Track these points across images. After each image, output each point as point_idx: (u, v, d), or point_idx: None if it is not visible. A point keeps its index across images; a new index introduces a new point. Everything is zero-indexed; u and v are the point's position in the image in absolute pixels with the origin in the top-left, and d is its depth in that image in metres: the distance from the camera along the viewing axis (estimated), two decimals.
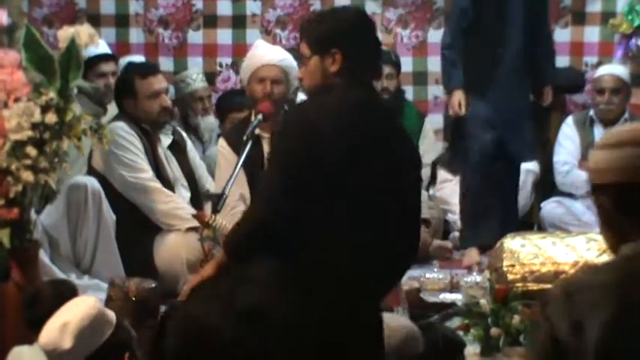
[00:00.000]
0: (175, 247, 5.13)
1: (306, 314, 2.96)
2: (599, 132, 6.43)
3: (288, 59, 5.39)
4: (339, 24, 3.16)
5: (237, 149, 5.07)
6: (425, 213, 6.16)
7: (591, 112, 6.49)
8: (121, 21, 7.25)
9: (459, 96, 5.84)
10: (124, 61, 6.59)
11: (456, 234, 6.46)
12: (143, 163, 5.26)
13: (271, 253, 2.98)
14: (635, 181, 2.23)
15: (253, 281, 2.91)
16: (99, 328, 3.04)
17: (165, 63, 7.21)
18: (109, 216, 5.09)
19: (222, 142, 5.39)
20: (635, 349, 2.17)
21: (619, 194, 2.25)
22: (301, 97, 6.47)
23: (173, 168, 5.43)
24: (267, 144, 5.31)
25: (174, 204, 5.24)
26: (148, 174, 5.26)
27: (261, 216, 3.05)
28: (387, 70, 6.67)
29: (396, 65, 6.77)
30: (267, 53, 5.38)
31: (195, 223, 4.94)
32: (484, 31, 5.79)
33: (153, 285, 4.34)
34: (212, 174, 5.67)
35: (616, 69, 6.55)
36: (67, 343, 2.97)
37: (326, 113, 3.05)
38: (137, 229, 5.21)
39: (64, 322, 3.00)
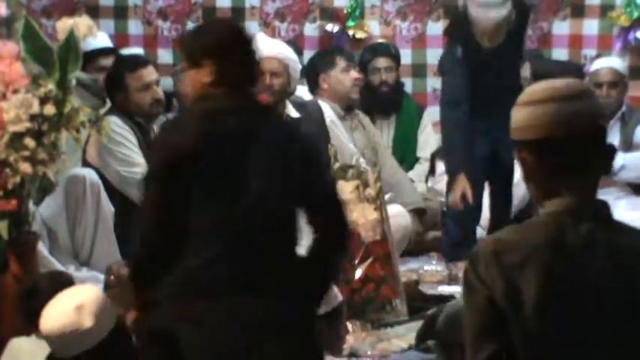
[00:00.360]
0: None
1: (203, 321, 2.98)
2: None
3: (287, 52, 5.40)
4: (210, 37, 3.33)
5: None
6: (420, 203, 6.17)
7: None
8: (120, 12, 7.24)
9: (463, 184, 5.46)
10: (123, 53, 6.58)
11: None
12: (138, 157, 5.25)
13: (166, 270, 3.06)
14: (554, 136, 2.28)
15: (152, 302, 2.98)
16: (110, 309, 3.05)
17: (164, 55, 7.20)
18: (108, 208, 5.08)
19: None
20: (570, 307, 2.22)
21: (539, 150, 2.30)
22: (302, 89, 6.49)
23: None
24: None
25: None
26: (142, 168, 5.25)
27: (142, 238, 3.19)
28: (385, 62, 6.68)
29: (396, 58, 6.77)
30: (266, 46, 5.38)
31: None
32: (478, 66, 5.67)
33: None
34: None
35: (613, 62, 6.53)
36: (87, 322, 2.97)
37: (197, 120, 3.18)
38: (133, 221, 5.20)
39: (78, 305, 2.99)
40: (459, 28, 5.64)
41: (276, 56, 5.35)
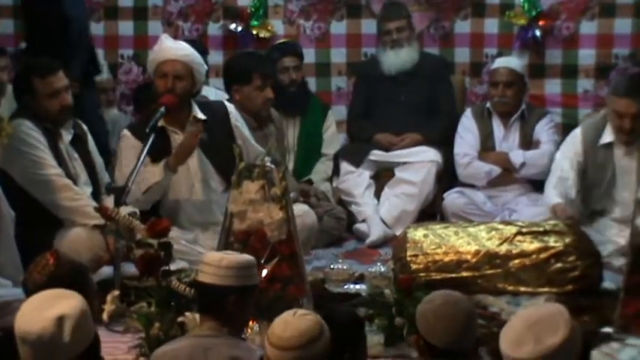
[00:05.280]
0: (77, 242, 5.07)
1: None
2: (497, 123, 6.52)
3: (191, 54, 5.37)
4: None
5: (140, 138, 5.12)
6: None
7: (488, 104, 6.57)
8: (21, 13, 7.14)
9: None
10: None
11: (359, 225, 6.50)
12: (50, 159, 5.17)
13: None
14: None
15: None
16: (90, 325, 2.89)
17: None
18: (8, 213, 4.99)
19: (127, 133, 5.35)
20: None
21: None
22: (207, 90, 6.46)
23: (75, 165, 5.35)
24: (174, 137, 5.30)
25: (83, 201, 5.17)
26: (56, 170, 5.18)
27: None
28: (293, 62, 6.68)
29: (302, 56, 6.78)
30: (169, 48, 5.36)
31: (102, 221, 4.88)
32: None
33: None
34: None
35: (511, 62, 6.63)
36: (66, 337, 2.80)
37: None
38: (38, 223, 5.13)
39: (60, 316, 2.80)
40: None
41: (181, 59, 5.31)
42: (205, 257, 3.52)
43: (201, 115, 5.37)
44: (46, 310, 2.82)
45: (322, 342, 3.02)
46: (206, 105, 5.53)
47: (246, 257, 3.52)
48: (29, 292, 3.34)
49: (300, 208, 5.27)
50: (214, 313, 3.44)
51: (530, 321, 2.71)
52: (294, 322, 3.02)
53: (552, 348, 2.66)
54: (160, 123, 5.21)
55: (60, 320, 2.79)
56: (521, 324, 2.71)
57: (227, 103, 5.68)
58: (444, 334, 3.17)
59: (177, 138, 5.34)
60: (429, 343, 3.21)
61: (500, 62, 6.60)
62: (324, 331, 3.04)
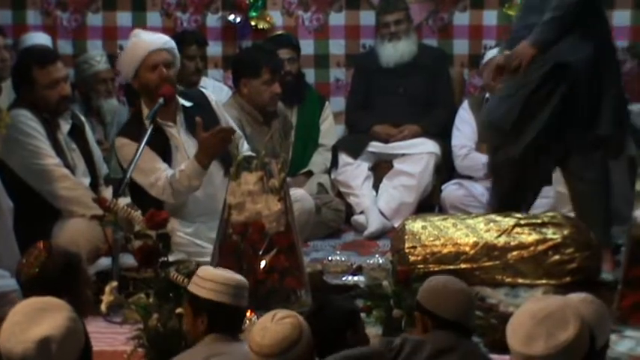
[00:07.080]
0: (75, 233, 5.07)
1: None
2: None
3: (170, 41, 5.33)
4: None
5: (136, 139, 5.02)
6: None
7: (487, 95, 6.57)
8: (18, 2, 7.13)
9: None
10: (28, 37, 6.49)
11: (357, 217, 6.51)
12: (49, 149, 5.17)
13: None
14: None
15: None
16: (76, 342, 2.74)
17: (64, 46, 7.11)
18: (6, 204, 4.99)
19: (125, 140, 5.20)
20: None
21: None
22: (206, 81, 6.44)
23: (73, 155, 5.35)
24: (169, 131, 5.25)
25: (81, 191, 5.17)
26: (54, 160, 5.17)
27: None
28: (288, 54, 6.67)
29: (297, 48, 6.77)
30: (151, 39, 5.30)
31: (101, 212, 4.87)
32: None
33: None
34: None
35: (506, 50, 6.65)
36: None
37: None
38: (36, 214, 5.13)
39: (44, 338, 2.66)
40: None
41: (164, 47, 5.26)
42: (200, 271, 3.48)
43: (187, 103, 5.32)
44: (29, 328, 2.69)
45: (302, 344, 3.04)
46: (185, 94, 5.46)
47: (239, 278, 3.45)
48: (21, 283, 3.34)
49: (297, 193, 5.27)
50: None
51: (539, 316, 2.67)
52: (273, 327, 3.03)
53: (566, 343, 2.63)
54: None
55: (43, 342, 2.66)
56: (529, 320, 2.68)
57: (202, 89, 5.65)
58: (455, 306, 3.30)
59: (172, 132, 5.27)
60: (437, 316, 3.30)
61: (495, 51, 6.60)
62: (304, 333, 3.06)
